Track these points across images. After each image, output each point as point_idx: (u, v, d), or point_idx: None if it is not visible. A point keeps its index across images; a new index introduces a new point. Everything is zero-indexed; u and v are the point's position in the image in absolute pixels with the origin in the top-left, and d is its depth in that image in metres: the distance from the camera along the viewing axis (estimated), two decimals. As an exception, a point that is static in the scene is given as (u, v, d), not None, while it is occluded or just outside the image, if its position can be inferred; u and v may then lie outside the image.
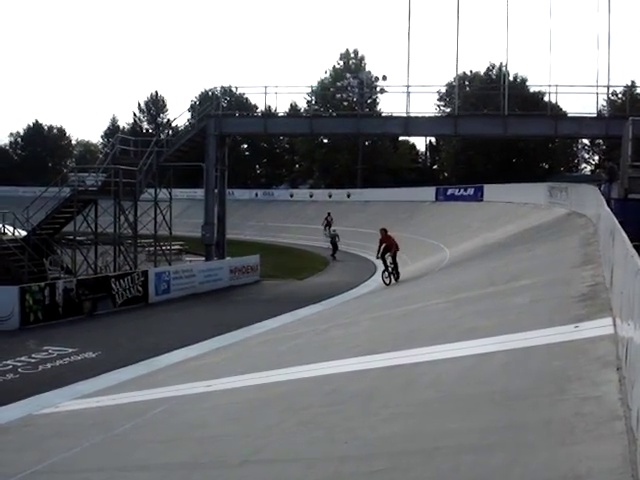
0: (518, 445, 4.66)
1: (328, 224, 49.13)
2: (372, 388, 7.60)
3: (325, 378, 8.64)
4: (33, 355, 15.30)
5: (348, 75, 74.88)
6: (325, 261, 39.89)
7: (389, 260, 23.53)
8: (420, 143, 78.31)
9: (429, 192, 54.45)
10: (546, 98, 36.06)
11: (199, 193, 56.09)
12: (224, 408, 8.29)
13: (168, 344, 16.39)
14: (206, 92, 79.30)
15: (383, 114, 52.86)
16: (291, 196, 69.69)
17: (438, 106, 69.06)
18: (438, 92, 64.77)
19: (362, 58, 77.27)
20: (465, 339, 8.43)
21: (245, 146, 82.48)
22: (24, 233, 29.19)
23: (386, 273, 23.66)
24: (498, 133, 31.75)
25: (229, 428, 7.06)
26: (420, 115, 31.38)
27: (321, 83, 70.03)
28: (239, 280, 28.77)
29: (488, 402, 5.72)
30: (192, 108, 41.09)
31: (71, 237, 29.63)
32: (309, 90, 52.31)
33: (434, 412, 5.93)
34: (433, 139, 72.32)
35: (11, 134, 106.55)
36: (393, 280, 23.49)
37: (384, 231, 24.50)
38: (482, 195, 47.68)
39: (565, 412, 4.85)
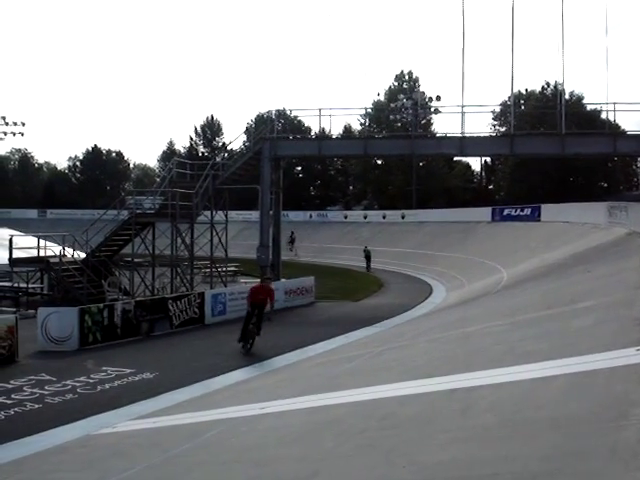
0: (581, 472, 4.52)
1: (292, 241, 51.41)
2: (429, 412, 7.49)
3: (381, 401, 8.55)
4: (92, 375, 15.49)
5: (402, 96, 74.91)
6: (380, 283, 39.71)
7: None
8: (475, 163, 77.85)
9: (485, 212, 53.96)
10: (604, 115, 35.48)
11: (254, 215, 56.67)
12: (279, 431, 8.26)
13: (224, 365, 16.47)
14: (261, 115, 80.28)
15: (437, 134, 52.83)
16: (345, 217, 69.76)
17: (493, 125, 68.65)
18: (493, 111, 64.44)
19: (416, 79, 77.31)
20: (524, 362, 8.25)
21: (299, 168, 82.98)
22: (83, 255, 29.76)
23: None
24: (555, 152, 31.30)
25: (285, 451, 7.02)
26: (475, 135, 31.17)
27: (375, 104, 70.14)
28: (294, 302, 28.80)
29: (549, 427, 5.57)
30: (247, 131, 41.64)
31: (129, 259, 30.13)
32: (363, 112, 52.37)
33: (493, 437, 5.80)
34: (488, 159, 71.76)
35: (70, 158, 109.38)
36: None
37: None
38: (539, 215, 47.06)
39: (629, 438, 4.70)
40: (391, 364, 11.95)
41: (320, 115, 31.53)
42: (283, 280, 30.83)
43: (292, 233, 53.38)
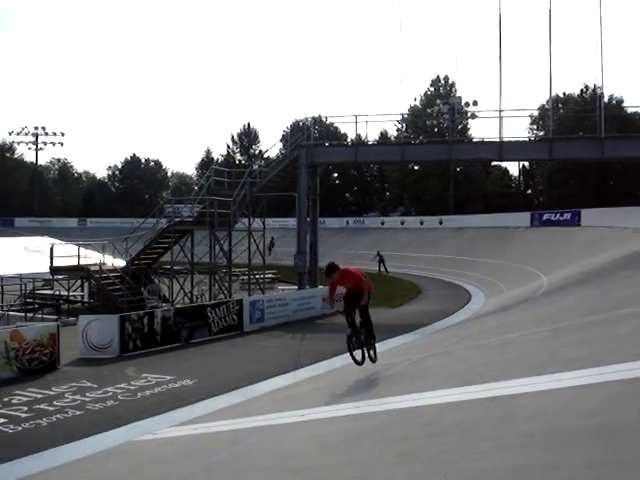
0: (626, 481, 4.45)
1: (272, 246, 52.97)
2: (470, 420, 7.42)
3: (421, 409, 8.50)
4: (132, 382, 15.62)
5: (439, 101, 74.63)
6: (418, 289, 39.50)
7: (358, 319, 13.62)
8: (513, 168, 77.20)
9: (524, 217, 53.44)
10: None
11: (291, 222, 56.81)
12: (319, 438, 8.25)
13: (263, 372, 16.50)
14: (297, 123, 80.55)
15: (475, 139, 52.42)
16: (382, 224, 69.64)
17: (531, 130, 68.04)
18: (530, 116, 63.89)
19: (453, 84, 77.01)
20: (566, 370, 8.15)
21: (336, 175, 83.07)
22: (123, 263, 30.09)
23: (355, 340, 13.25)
24: (595, 156, 30.86)
25: (326, 458, 7.00)
26: (513, 140, 30.89)
27: (412, 110, 69.95)
28: (332, 308, 28.72)
29: (593, 436, 5.49)
30: (284, 139, 41.78)
31: (168, 267, 30.39)
32: (399, 117, 52.26)
33: (536, 446, 5.73)
34: (527, 163, 71.15)
35: (109, 167, 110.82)
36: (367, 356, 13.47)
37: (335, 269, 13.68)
38: (579, 220, 46.48)
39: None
40: (431, 371, 11.88)
41: (356, 122, 31.60)
42: (321, 287, 30.81)
43: (272, 239, 54.45)
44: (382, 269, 50.92)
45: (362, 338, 13.29)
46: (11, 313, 24.83)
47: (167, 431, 11.01)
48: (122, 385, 15.29)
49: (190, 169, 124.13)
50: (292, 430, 9.10)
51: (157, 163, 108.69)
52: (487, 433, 6.56)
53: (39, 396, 14.28)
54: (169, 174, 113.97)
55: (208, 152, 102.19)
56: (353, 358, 13.02)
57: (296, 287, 31.39)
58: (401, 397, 9.74)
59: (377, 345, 20.35)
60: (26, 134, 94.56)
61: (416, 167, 74.74)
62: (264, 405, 12.56)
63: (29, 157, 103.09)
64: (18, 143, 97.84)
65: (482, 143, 33.97)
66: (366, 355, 13.25)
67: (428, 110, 75.54)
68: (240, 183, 30.50)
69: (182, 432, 10.34)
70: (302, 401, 11.96)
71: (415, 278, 45.62)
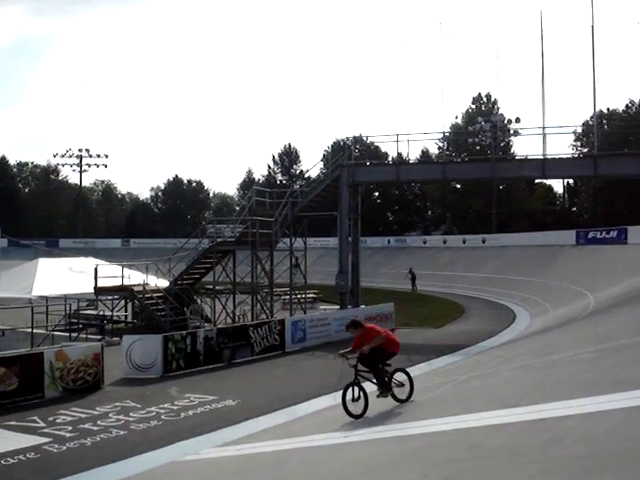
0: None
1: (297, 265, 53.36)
2: (516, 443, 7.28)
3: (465, 431, 8.36)
4: (175, 402, 15.69)
5: (480, 119, 74.23)
6: (461, 309, 39.13)
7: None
8: (557, 185, 76.34)
9: (569, 235, 52.67)
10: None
11: (332, 242, 56.86)
12: (363, 460, 8.16)
13: (305, 393, 16.44)
14: (338, 142, 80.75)
15: (517, 157, 51.97)
16: (424, 243, 69.28)
17: (575, 146, 67.26)
18: (574, 132, 63.14)
19: (495, 101, 76.55)
20: (614, 391, 7.96)
21: (377, 194, 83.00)
22: (166, 283, 30.33)
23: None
24: (641, 173, 30.31)
25: (370, 481, 6.93)
26: (557, 156, 30.51)
27: (453, 128, 69.68)
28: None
29: (643, 460, 5.34)
30: (324, 158, 41.91)
31: (210, 287, 30.55)
32: (441, 135, 52.09)
33: (585, 469, 5.59)
34: (571, 180, 70.31)
35: (152, 188, 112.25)
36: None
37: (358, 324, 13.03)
38: (626, 237, 45.65)
39: None
40: (476, 393, 11.71)
41: (398, 140, 31.47)
42: (363, 306, 30.71)
43: (297, 259, 54.97)
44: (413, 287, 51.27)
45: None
46: (56, 333, 25.14)
47: (210, 451, 11.01)
48: (165, 405, 15.36)
49: (231, 189, 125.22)
50: (335, 452, 9.03)
51: (199, 184, 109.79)
52: (532, 456, 6.43)
53: (83, 416, 14.41)
54: (211, 195, 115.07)
55: (249, 172, 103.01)
56: (346, 410, 11.72)
57: (338, 307, 31.29)
58: (445, 419, 9.62)
59: (421, 365, 20.25)
60: (70, 156, 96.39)
61: (458, 185, 74.36)
62: (307, 426, 12.50)
63: (73, 179, 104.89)
64: (63, 165, 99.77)
65: (525, 160, 33.63)
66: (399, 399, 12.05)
67: (470, 128, 75.20)
68: (282, 203, 30.61)
69: (226, 453, 10.33)
70: (344, 422, 11.86)
71: (458, 298, 45.22)
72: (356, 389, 11.81)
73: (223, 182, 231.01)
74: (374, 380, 12.18)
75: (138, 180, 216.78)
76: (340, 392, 11.95)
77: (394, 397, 12.05)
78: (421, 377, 18.22)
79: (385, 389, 12.03)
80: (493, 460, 6.68)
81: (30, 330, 23.63)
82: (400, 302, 34.76)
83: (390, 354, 12.42)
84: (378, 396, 11.98)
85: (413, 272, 52.23)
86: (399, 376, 12.37)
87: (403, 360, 21.35)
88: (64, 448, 12.07)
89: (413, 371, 19.29)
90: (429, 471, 6.82)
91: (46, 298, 27.46)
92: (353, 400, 11.74)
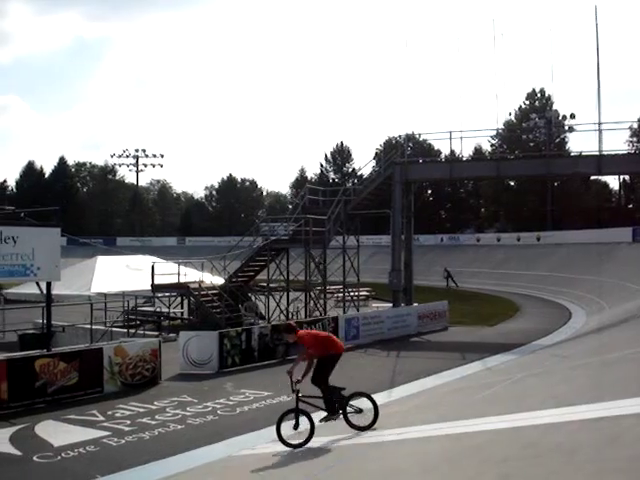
0: None
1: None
2: (573, 441, 7.25)
3: (522, 430, 8.34)
4: (231, 398, 15.88)
5: (534, 115, 73.24)
6: (515, 307, 38.71)
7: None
8: (613, 182, 74.91)
9: (625, 233, 51.62)
10: None
11: (384, 239, 56.74)
12: (419, 457, 8.20)
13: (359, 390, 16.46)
14: (390, 140, 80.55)
15: (573, 153, 51.17)
16: (477, 240, 68.66)
17: (631, 142, 65.91)
18: (630, 128, 61.86)
19: (549, 97, 75.37)
20: (676, 391, 7.85)
21: (429, 191, 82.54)
22: (221, 281, 30.67)
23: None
24: (702, 169, 29.57)
25: (428, 478, 6.96)
26: (613, 153, 29.92)
27: (506, 125, 68.88)
28: (427, 327, 28.52)
29: None
30: (377, 156, 41.78)
31: (264, 284, 30.79)
32: (494, 132, 51.55)
33: (644, 470, 5.55)
34: (627, 177, 68.92)
35: (207, 187, 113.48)
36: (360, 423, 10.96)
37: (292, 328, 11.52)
38: (685, 234, 44.63)
39: None
40: (532, 391, 11.63)
41: (451, 137, 31.22)
42: (416, 304, 30.62)
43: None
44: (451, 284, 51.50)
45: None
46: (114, 329, 25.64)
47: (266, 447, 11.14)
48: (221, 400, 15.57)
49: (284, 188, 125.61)
50: (391, 448, 9.07)
51: (252, 183, 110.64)
52: (590, 456, 6.40)
53: (142, 410, 14.70)
54: (264, 193, 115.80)
55: (302, 171, 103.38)
56: (281, 438, 10.48)
57: (390, 305, 31.25)
58: (501, 417, 9.59)
59: (475, 364, 20.13)
60: (127, 156, 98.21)
61: (512, 183, 73.47)
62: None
63: (130, 178, 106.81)
64: (120, 165, 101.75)
65: (580, 157, 33.10)
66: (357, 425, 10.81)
67: (524, 124, 74.24)
68: (334, 201, 30.67)
69: (281, 448, 10.43)
70: (399, 419, 11.89)
71: (512, 296, 44.73)
72: (300, 417, 10.59)
73: (276, 181, 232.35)
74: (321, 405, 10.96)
75: (193, 179, 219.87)
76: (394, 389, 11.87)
77: (349, 423, 10.83)
78: (475, 375, 18.15)
79: (331, 414, 10.93)
80: (550, 459, 6.66)
81: (89, 326, 24.15)
82: (453, 300, 34.56)
83: (330, 358, 10.99)
84: (321, 420, 10.91)
85: (448, 271, 52.44)
86: (360, 402, 11.07)
87: (457, 358, 21.35)
88: (123, 442, 12.33)
89: (467, 369, 19.32)
90: (486, 469, 6.83)
91: (104, 295, 28.04)
92: (294, 428, 10.62)
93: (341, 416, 10.93)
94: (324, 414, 11.01)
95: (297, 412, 10.65)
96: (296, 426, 10.56)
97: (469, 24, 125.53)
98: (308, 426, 10.44)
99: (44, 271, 16.40)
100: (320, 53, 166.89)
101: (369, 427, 10.70)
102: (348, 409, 10.85)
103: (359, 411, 10.85)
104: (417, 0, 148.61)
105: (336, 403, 10.88)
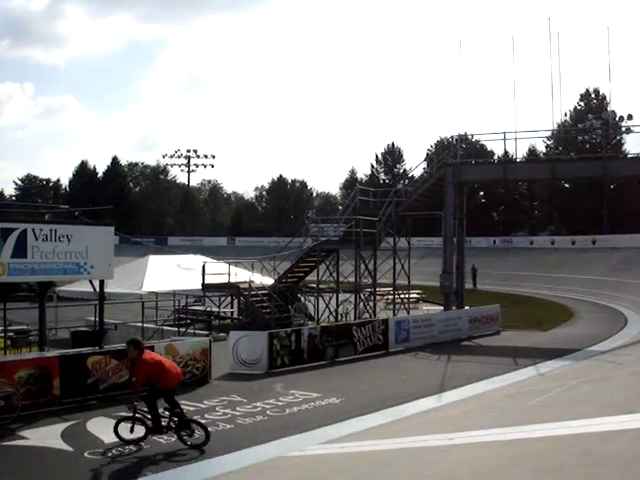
0: None
1: None
2: (633, 450, 7.00)
3: (579, 437, 8.09)
4: (280, 398, 15.83)
5: (590, 116, 71.95)
6: (569, 312, 37.98)
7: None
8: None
9: (686, 236, 50.32)
10: None
11: (435, 242, 56.32)
12: (471, 463, 8.00)
13: (409, 393, 16.30)
14: (442, 140, 79.94)
15: (630, 155, 50.06)
16: (531, 243, 67.74)
17: (692, 143, 64.26)
18: (690, 128, 60.23)
19: (604, 97, 73.97)
20: None
21: (482, 193, 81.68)
22: (271, 281, 30.73)
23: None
24: None
25: (479, 485, 6.79)
26: (673, 154, 29.16)
27: (561, 125, 67.77)
28: (479, 330, 28.14)
29: None
30: (428, 157, 41.51)
31: (314, 285, 30.75)
32: (549, 133, 50.70)
33: None
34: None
35: (257, 188, 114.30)
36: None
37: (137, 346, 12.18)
38: None
39: None
40: (588, 398, 11.32)
41: (505, 138, 30.72)
42: (467, 308, 30.25)
43: None
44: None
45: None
46: (165, 328, 25.88)
47: (315, 448, 11.06)
48: (270, 401, 15.54)
49: (334, 189, 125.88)
50: (443, 453, 8.89)
51: (302, 183, 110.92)
52: (652, 465, 6.15)
53: (192, 409, 14.72)
54: (314, 194, 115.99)
55: (352, 172, 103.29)
56: (115, 432, 11.99)
57: (441, 307, 30.94)
58: (556, 424, 9.34)
59: (528, 369, 19.75)
60: (179, 157, 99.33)
61: (566, 184, 72.25)
62: (412, 427, 12.38)
63: (182, 179, 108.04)
64: (172, 166, 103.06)
65: (638, 159, 32.29)
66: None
67: (579, 125, 72.96)
68: (385, 202, 30.48)
69: (330, 450, 10.35)
70: (450, 424, 11.70)
71: (567, 300, 43.93)
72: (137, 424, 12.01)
73: (326, 181, 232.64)
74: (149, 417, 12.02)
75: (243, 180, 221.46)
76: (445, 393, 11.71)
77: (181, 439, 11.97)
78: (529, 381, 17.82)
79: (156, 433, 12.03)
80: (609, 467, 6.44)
81: (141, 324, 24.40)
82: (505, 304, 34.07)
83: (162, 392, 12.05)
84: (147, 434, 12.01)
85: (475, 269, 52.03)
86: (196, 428, 12.10)
87: (509, 363, 21.00)
88: (172, 439, 12.35)
89: (520, 374, 18.97)
90: (541, 476, 6.63)
91: (156, 294, 28.30)
92: (130, 432, 11.93)
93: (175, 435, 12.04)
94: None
95: (134, 420, 11.99)
96: (131, 430, 11.90)
97: (524, 23, 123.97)
98: (142, 433, 11.92)
99: (97, 269, 16.54)
100: (372, 53, 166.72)
101: (198, 447, 11.75)
102: (182, 433, 11.98)
103: (190, 434, 11.99)
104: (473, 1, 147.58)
105: (171, 422, 12.04)
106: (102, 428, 13.06)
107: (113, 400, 15.39)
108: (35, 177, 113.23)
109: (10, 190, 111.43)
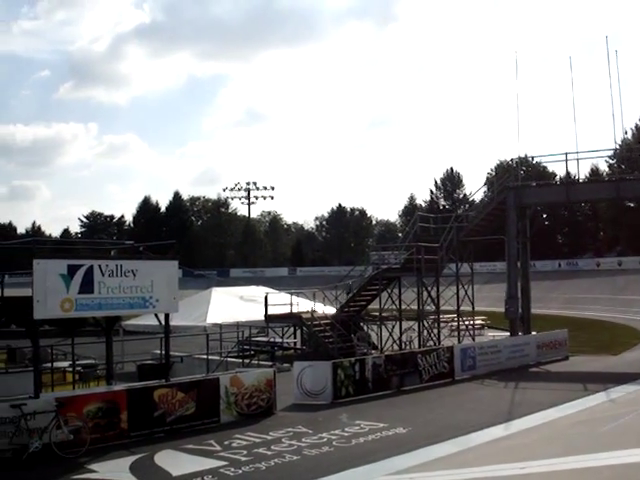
0: None
1: None
2: None
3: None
4: (346, 429, 15.68)
5: (654, 134, 70.42)
6: (640, 335, 36.90)
7: None
8: None
9: None
10: None
11: (499, 266, 55.63)
12: (545, 493, 7.80)
13: (477, 422, 15.98)
14: (502, 164, 79.06)
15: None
16: (597, 265, 66.33)
17: None
18: None
19: (667, 114, 72.37)
20: None
21: (544, 215, 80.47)
22: (333, 310, 30.68)
23: None
24: None
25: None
26: None
27: (624, 143, 66.40)
28: (546, 356, 27.52)
29: None
30: (488, 181, 41.06)
31: (376, 313, 30.58)
32: (611, 152, 49.73)
33: None
34: None
35: (316, 218, 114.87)
36: None
37: None
38: None
39: None
40: (665, 424, 10.94)
41: (566, 159, 30.22)
42: (534, 333, 29.66)
43: None
44: None
45: None
46: (229, 359, 26.01)
47: (383, 479, 10.92)
48: (336, 431, 15.41)
49: (393, 216, 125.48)
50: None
51: (362, 211, 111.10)
52: None
53: (257, 440, 14.72)
54: (373, 222, 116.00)
55: (411, 198, 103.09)
56: None
57: (507, 333, 30.39)
58: (629, 451, 9.06)
59: (599, 395, 19.20)
60: (239, 189, 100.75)
61: (631, 204, 70.61)
62: (481, 456, 12.14)
63: (242, 211, 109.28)
64: (232, 198, 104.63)
65: None
66: None
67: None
68: (447, 228, 30.24)
69: (398, 482, 10.20)
70: (521, 453, 11.44)
71: (636, 323, 42.71)
72: None
73: (385, 209, 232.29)
74: None
75: (303, 210, 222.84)
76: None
77: None
78: (600, 407, 17.33)
79: None
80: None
81: (205, 357, 24.57)
82: (574, 328, 33.32)
83: None
84: None
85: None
86: None
87: (579, 389, 20.46)
88: (240, 472, 12.35)
89: (591, 400, 18.46)
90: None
91: (220, 326, 28.51)
92: None
93: None
94: None
95: None
96: None
97: (580, 42, 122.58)
98: None
99: (162, 303, 16.75)
100: (429, 77, 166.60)
101: None
102: None
103: None
104: (527, 19, 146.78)
105: None
106: (170, 461, 13.14)
107: (180, 432, 15.51)
108: (99, 214, 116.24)
109: (75, 227, 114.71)
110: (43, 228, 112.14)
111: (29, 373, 16.96)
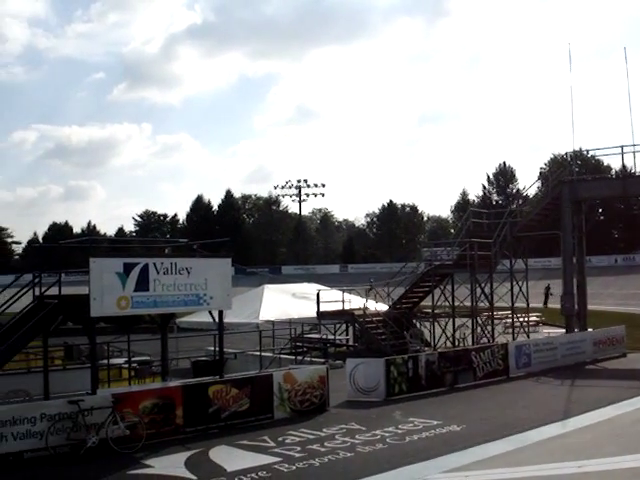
0: None
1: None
2: None
3: None
4: (399, 426, 15.63)
5: None
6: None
7: None
8: None
9: None
10: None
11: (553, 262, 54.82)
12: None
13: (533, 420, 15.77)
14: (556, 158, 78.01)
15: None
16: (655, 261, 64.90)
17: None
18: None
19: None
20: None
21: (600, 210, 79.02)
22: (385, 307, 30.59)
23: None
24: None
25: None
26: None
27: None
28: (603, 353, 26.99)
29: None
30: (542, 176, 40.49)
31: (429, 310, 30.38)
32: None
33: None
34: None
35: (367, 214, 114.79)
36: None
37: None
38: None
39: None
40: None
41: (622, 152, 29.59)
42: (590, 330, 29.14)
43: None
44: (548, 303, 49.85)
45: None
46: (282, 356, 26.14)
47: (437, 477, 10.88)
48: (390, 428, 15.37)
49: (445, 212, 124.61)
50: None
51: (413, 208, 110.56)
52: None
53: (311, 437, 14.77)
54: (425, 218, 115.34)
55: (464, 194, 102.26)
56: None
57: (563, 330, 29.90)
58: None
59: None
60: (290, 187, 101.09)
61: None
62: (537, 454, 11.98)
63: (293, 209, 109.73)
64: (283, 196, 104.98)
65: None
66: None
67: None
68: (500, 223, 29.86)
69: (453, 479, 10.14)
70: (578, 451, 11.25)
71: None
72: None
73: (437, 205, 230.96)
74: None
75: (354, 207, 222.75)
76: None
77: None
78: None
79: None
80: None
81: (259, 353, 24.75)
82: (631, 325, 32.59)
83: None
84: None
85: (548, 288, 51.06)
86: None
87: (637, 386, 20.01)
88: (294, 468, 12.41)
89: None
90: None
91: (272, 322, 28.69)
92: None
93: None
94: None
95: None
96: None
97: (636, 32, 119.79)
98: None
99: (216, 300, 16.94)
100: (480, 72, 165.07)
101: None
102: None
103: None
104: (580, 11, 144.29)
105: None
106: (224, 456, 13.28)
107: (234, 428, 15.65)
108: (153, 213, 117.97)
109: (130, 226, 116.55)
110: (98, 227, 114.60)
111: (86, 370, 17.32)
